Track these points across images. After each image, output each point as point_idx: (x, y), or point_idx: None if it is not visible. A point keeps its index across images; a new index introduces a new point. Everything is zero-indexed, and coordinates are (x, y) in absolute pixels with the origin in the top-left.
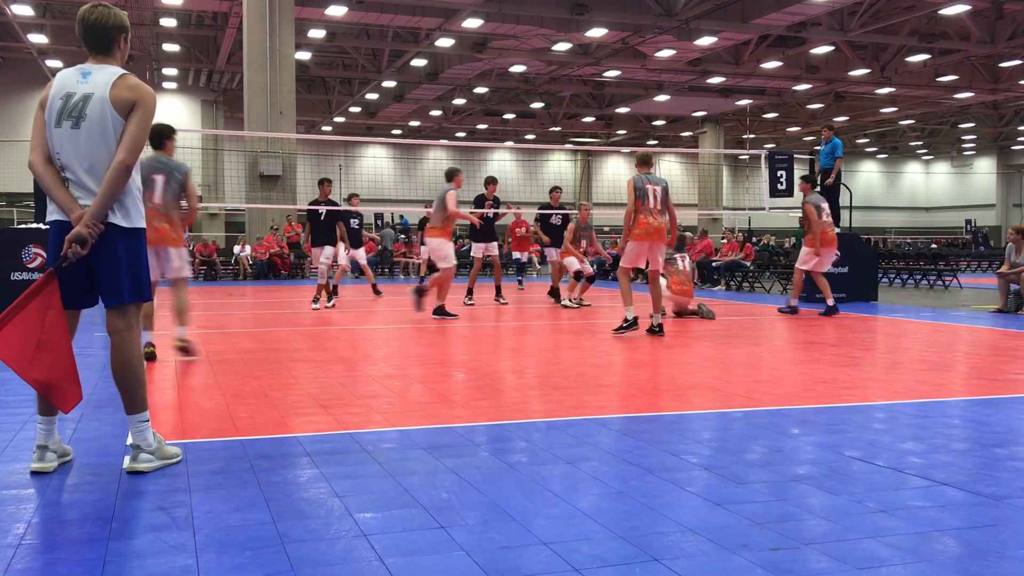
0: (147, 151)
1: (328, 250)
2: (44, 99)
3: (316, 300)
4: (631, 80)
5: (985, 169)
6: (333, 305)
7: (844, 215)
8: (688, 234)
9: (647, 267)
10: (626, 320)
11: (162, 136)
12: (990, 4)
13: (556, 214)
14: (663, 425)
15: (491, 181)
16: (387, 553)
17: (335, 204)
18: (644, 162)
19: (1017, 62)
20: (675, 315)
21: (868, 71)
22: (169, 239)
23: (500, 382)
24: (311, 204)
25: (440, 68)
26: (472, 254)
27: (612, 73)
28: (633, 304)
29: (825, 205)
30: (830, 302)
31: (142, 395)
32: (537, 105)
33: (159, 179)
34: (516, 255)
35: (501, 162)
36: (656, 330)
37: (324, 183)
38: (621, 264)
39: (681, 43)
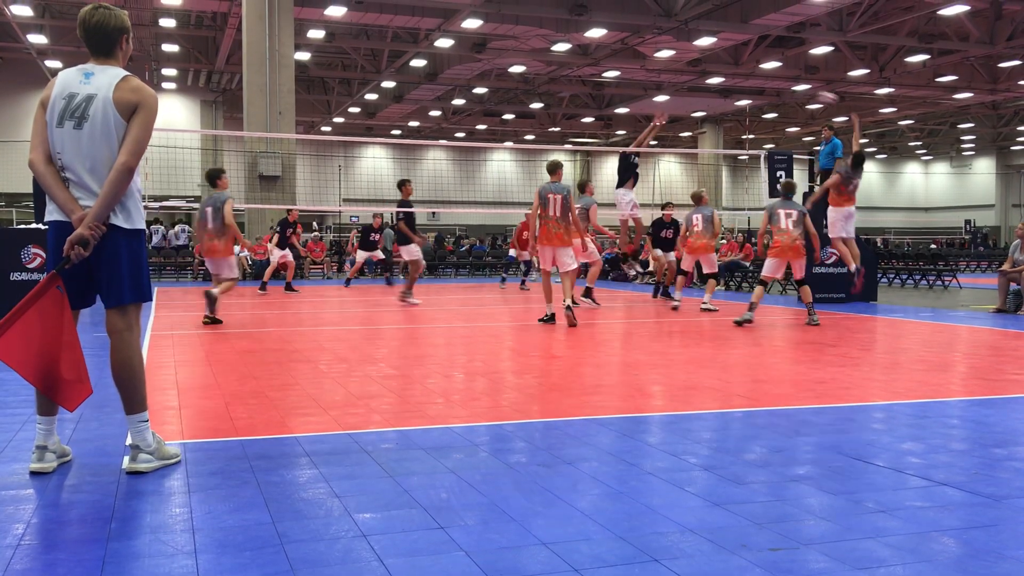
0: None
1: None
2: (45, 99)
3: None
4: (630, 80)
5: (984, 169)
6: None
7: None
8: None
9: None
10: (547, 315)
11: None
12: (989, 4)
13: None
14: (663, 425)
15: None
16: (386, 553)
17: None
18: (551, 171)
19: (1016, 62)
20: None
21: (867, 71)
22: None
23: (499, 382)
24: (405, 206)
25: (439, 68)
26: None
27: (611, 73)
28: (553, 302)
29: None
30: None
31: (142, 395)
32: (536, 105)
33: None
34: (512, 254)
35: (500, 162)
36: (569, 312)
37: (408, 183)
38: (542, 267)
39: (680, 43)
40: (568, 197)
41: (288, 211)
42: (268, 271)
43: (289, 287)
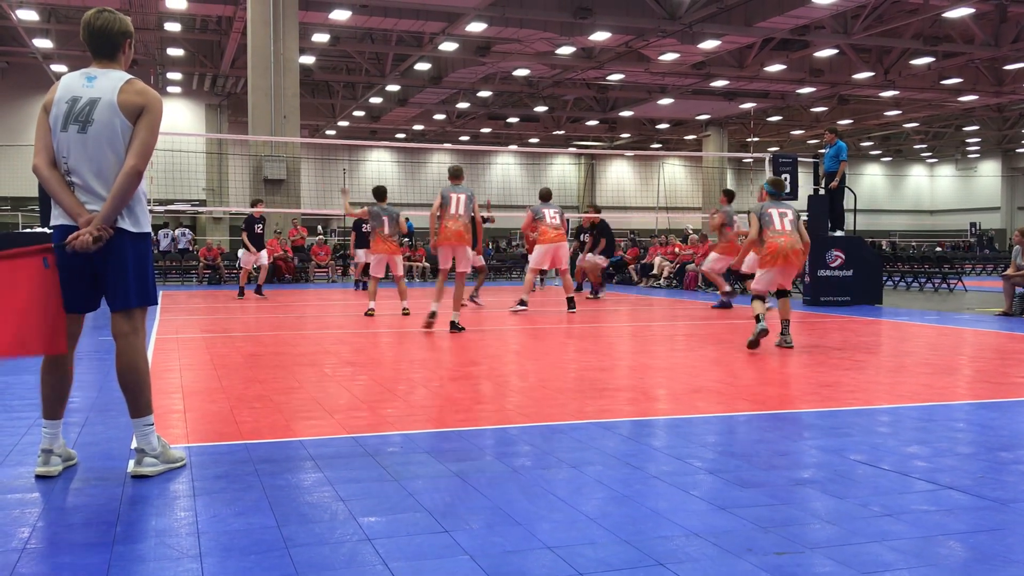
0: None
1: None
2: (48, 103)
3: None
4: (635, 83)
5: (989, 172)
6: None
7: (848, 218)
8: (693, 235)
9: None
10: (431, 314)
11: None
12: (994, 7)
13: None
14: (667, 429)
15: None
16: (391, 557)
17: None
18: (454, 175)
19: (1021, 65)
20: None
21: (872, 74)
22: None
23: (504, 386)
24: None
25: (443, 72)
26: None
27: (615, 77)
28: (439, 301)
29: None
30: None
31: (147, 398)
32: (541, 109)
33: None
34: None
35: (505, 166)
36: (455, 327)
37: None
38: (440, 266)
39: (684, 46)
40: (472, 198)
41: (253, 203)
42: (243, 275)
43: (259, 290)
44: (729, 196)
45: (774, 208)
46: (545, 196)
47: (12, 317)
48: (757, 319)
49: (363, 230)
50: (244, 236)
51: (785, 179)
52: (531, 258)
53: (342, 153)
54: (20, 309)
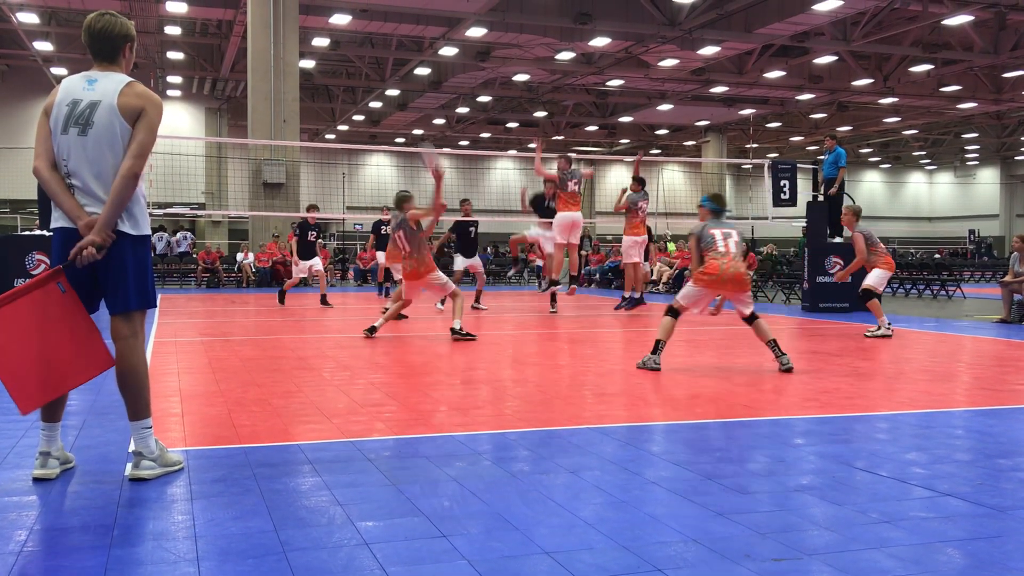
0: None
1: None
2: (48, 106)
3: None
4: (634, 89)
5: (988, 179)
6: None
7: None
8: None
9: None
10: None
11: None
12: (993, 15)
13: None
14: (665, 434)
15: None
16: (389, 562)
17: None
18: (398, 204)
19: (1020, 72)
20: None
21: (871, 81)
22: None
23: (502, 390)
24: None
25: (443, 77)
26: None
27: (615, 82)
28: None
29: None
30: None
31: (146, 401)
32: (540, 114)
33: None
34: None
35: (504, 171)
36: (462, 334)
37: (466, 201)
38: (404, 296)
39: (684, 52)
40: (406, 225)
41: (309, 208)
42: (290, 283)
43: (324, 300)
44: (640, 183)
45: (716, 228)
46: (565, 168)
47: (33, 365)
48: (656, 347)
49: (382, 232)
50: (294, 243)
51: (784, 185)
52: (552, 233)
53: (342, 157)
54: (43, 352)
